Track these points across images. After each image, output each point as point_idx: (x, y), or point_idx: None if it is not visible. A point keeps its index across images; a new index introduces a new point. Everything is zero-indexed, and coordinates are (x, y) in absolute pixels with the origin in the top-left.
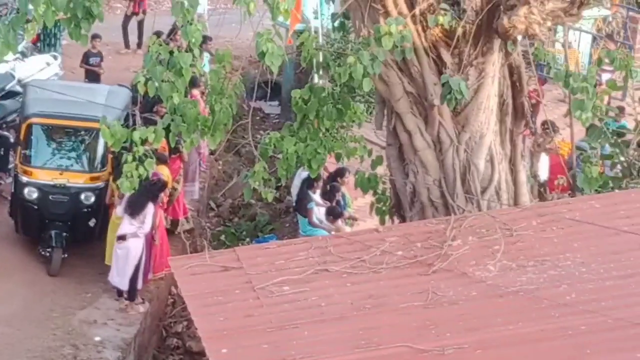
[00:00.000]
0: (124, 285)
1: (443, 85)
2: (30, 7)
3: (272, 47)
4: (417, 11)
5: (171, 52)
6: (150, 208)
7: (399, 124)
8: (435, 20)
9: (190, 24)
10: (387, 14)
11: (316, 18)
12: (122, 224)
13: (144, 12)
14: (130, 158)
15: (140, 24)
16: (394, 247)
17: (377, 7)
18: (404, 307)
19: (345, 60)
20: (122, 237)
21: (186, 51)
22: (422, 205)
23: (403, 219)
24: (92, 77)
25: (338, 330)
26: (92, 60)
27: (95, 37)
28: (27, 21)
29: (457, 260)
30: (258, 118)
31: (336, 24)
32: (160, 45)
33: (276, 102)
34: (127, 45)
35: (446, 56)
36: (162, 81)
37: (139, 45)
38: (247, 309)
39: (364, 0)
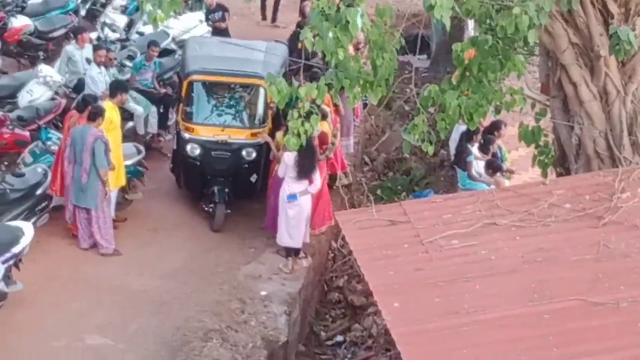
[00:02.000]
0: (298, 244)
1: (610, 36)
2: None
3: (440, 0)
4: None
5: (338, 8)
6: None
7: (564, 75)
8: None
9: None
10: None
11: None
12: (289, 183)
13: None
14: (296, 114)
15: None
16: (561, 200)
17: None
18: (575, 260)
19: (506, 12)
20: (292, 197)
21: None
22: (588, 157)
23: (567, 172)
24: (217, 33)
25: (510, 283)
26: (210, 16)
27: None
28: None
29: (627, 213)
30: (406, 72)
31: None
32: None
33: (424, 56)
34: (264, 17)
35: (612, 6)
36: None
37: (274, 19)
38: (417, 263)
39: None
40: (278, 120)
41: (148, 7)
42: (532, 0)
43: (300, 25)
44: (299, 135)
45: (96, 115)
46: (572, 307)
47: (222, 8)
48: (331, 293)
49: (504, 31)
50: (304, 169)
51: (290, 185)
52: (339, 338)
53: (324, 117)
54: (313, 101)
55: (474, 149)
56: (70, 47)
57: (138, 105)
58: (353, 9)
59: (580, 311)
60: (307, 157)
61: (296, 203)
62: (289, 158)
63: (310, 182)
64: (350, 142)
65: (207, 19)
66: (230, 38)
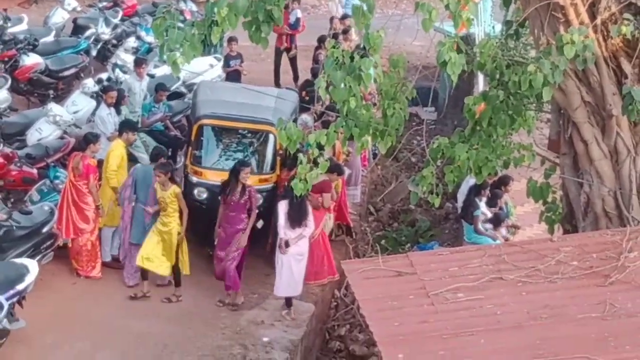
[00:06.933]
0: (298, 291)
1: (624, 96)
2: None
3: (454, 57)
4: (598, 20)
5: (352, 57)
6: (280, 206)
7: (575, 133)
8: (618, 30)
9: (367, 28)
10: (568, 22)
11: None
12: (285, 232)
13: (295, 47)
14: (305, 160)
15: (293, 62)
16: (569, 257)
17: (557, 16)
18: (581, 318)
19: (517, 68)
20: (287, 244)
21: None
22: (596, 215)
23: (574, 229)
24: (233, 79)
25: (515, 339)
26: (232, 62)
27: (231, 40)
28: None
29: (634, 272)
30: (414, 124)
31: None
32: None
33: (432, 108)
34: (277, 84)
35: (626, 66)
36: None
37: (295, 78)
38: (422, 315)
39: (543, 9)
40: (287, 166)
41: (167, 53)
42: (547, 58)
43: (313, 73)
44: (306, 180)
45: (157, 156)
46: None
47: (240, 55)
48: (332, 342)
49: (515, 86)
50: (295, 216)
51: (286, 233)
52: None
53: (339, 173)
54: (321, 148)
55: (482, 203)
56: (130, 79)
57: (145, 154)
58: (367, 59)
59: None
60: (296, 204)
61: (297, 251)
62: (282, 206)
63: (305, 226)
64: (357, 191)
65: (227, 65)
66: (242, 84)
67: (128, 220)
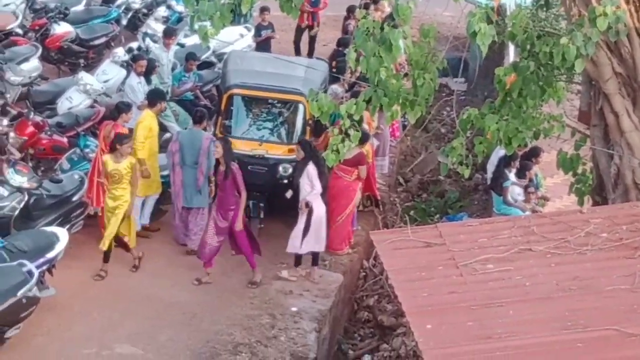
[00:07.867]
0: (322, 246)
1: None
2: None
3: (484, 27)
4: None
5: (382, 28)
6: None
7: (606, 105)
8: None
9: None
10: None
11: None
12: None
13: (318, 25)
14: (336, 131)
15: (313, 39)
16: (598, 229)
17: None
18: (610, 290)
19: (548, 39)
20: (305, 204)
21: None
22: (626, 187)
23: (604, 201)
24: (263, 49)
25: (544, 310)
26: (263, 32)
27: (264, 9)
28: None
29: None
30: (444, 94)
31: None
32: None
33: (462, 79)
34: (297, 52)
35: None
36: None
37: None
38: (451, 286)
39: None
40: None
41: (198, 23)
42: (579, 30)
43: (341, 43)
44: (338, 151)
45: (202, 118)
46: (606, 336)
47: (272, 25)
48: (361, 312)
49: (546, 57)
50: (323, 178)
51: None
52: (367, 358)
53: (365, 140)
54: (353, 119)
55: (511, 174)
56: (157, 50)
57: (175, 123)
58: (397, 30)
59: (614, 341)
60: (323, 165)
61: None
62: (314, 170)
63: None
64: (386, 162)
65: (258, 34)
66: (272, 53)
67: (180, 184)
